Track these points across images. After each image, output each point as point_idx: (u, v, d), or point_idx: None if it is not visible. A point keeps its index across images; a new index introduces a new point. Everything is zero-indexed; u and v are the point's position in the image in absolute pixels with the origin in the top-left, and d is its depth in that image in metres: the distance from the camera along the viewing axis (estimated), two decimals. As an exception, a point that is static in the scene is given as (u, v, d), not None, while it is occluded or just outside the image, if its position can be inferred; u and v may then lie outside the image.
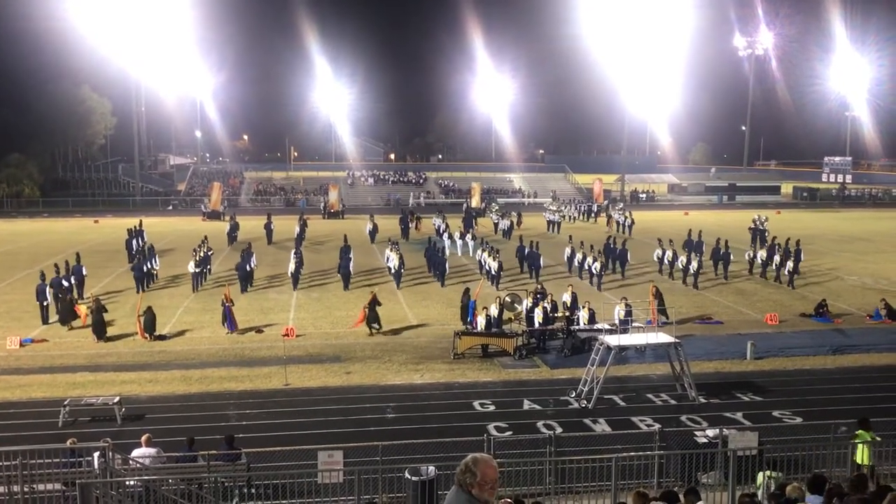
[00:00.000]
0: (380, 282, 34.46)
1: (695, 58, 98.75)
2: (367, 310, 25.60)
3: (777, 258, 34.25)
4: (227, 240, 45.16)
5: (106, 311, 25.72)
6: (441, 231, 46.61)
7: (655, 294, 26.76)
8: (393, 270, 33.48)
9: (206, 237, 37.37)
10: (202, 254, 33.82)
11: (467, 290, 26.46)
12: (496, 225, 53.01)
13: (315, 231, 50.32)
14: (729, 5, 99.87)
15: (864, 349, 23.76)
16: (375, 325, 25.54)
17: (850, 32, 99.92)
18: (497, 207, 61.28)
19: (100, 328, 24.75)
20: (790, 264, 33.16)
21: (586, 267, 33.65)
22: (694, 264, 33.04)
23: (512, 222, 50.70)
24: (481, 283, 29.66)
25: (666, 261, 35.48)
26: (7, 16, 79.31)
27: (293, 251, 34.73)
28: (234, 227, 46.91)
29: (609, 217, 56.94)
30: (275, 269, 36.52)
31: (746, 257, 36.58)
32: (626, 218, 52.24)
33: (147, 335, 24.64)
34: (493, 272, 32.81)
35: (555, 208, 59.10)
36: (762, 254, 35.58)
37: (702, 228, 40.37)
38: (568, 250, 36.28)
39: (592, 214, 64.08)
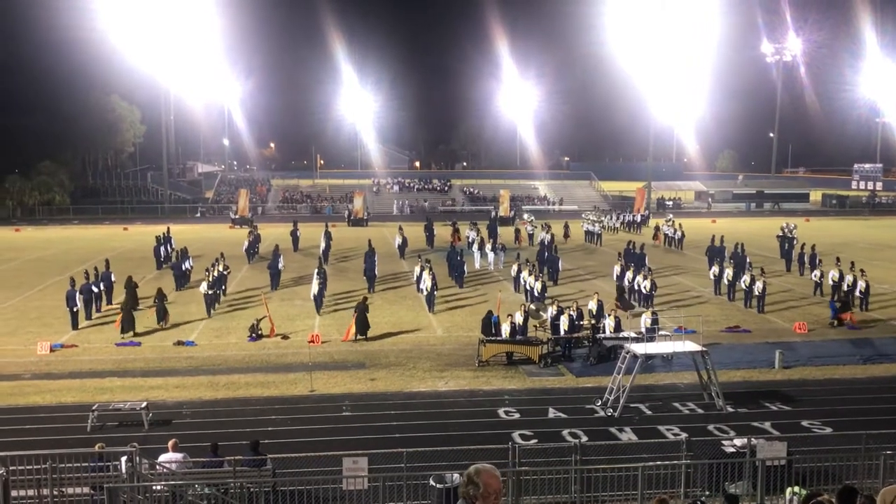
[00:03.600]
0: (404, 285, 34.72)
1: (722, 64, 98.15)
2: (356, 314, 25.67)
3: (850, 278, 30.22)
4: (245, 257, 41.89)
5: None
6: (472, 244, 43.46)
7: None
8: (425, 293, 30.78)
9: (222, 254, 35.01)
10: (216, 272, 30.90)
11: (490, 312, 24.87)
12: (531, 236, 50.36)
13: (340, 239, 50.21)
14: (756, 11, 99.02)
15: (895, 359, 23.37)
16: (361, 336, 25.41)
17: (881, 38, 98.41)
18: (532, 218, 58.54)
19: (129, 322, 26.06)
20: (862, 284, 29.74)
21: (636, 287, 30.56)
22: (759, 284, 29.75)
23: (553, 235, 45.10)
24: (500, 297, 28.87)
25: (725, 280, 32.24)
26: (38, 26, 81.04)
27: (316, 271, 31.36)
28: (256, 241, 43.81)
29: (657, 229, 52.30)
30: (300, 274, 36.77)
31: (813, 278, 32.91)
32: (675, 231, 48.63)
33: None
34: (535, 293, 29.73)
35: (594, 218, 55.73)
36: (834, 274, 31.20)
37: (731, 236, 39.89)
38: (617, 268, 33.31)
39: (636, 225, 60.87)
